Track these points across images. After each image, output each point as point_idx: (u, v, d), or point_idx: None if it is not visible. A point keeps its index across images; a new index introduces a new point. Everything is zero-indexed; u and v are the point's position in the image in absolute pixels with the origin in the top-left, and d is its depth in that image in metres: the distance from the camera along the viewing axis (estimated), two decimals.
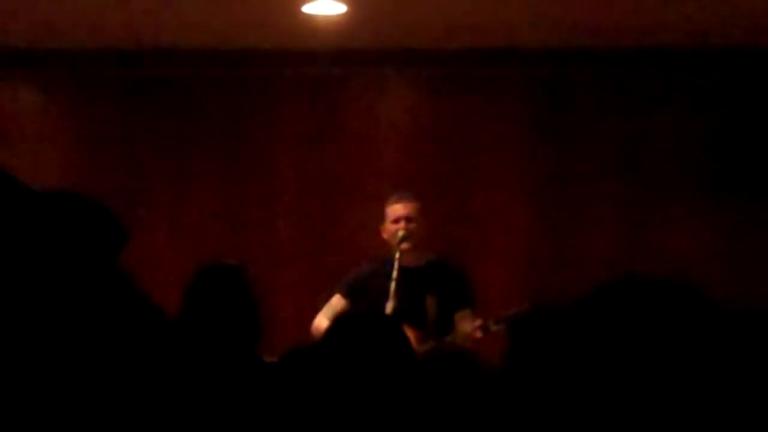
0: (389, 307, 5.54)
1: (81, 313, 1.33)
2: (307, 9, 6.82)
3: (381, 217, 5.99)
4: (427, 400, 1.96)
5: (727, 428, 1.22)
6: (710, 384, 1.22)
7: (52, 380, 1.29)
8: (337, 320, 3.00)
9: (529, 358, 2.90)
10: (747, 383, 1.24)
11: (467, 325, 5.64)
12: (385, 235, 5.90)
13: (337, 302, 5.85)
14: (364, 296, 5.77)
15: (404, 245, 5.76)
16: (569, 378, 1.32)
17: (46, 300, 1.33)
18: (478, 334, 5.56)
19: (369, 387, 2.43)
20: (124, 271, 1.49)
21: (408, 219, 5.83)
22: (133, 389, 1.39)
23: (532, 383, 2.27)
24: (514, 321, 3.89)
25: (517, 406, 2.35)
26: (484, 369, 2.06)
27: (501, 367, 2.88)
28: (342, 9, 6.84)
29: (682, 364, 1.23)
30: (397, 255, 5.71)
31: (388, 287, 5.61)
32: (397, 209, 5.87)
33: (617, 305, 1.33)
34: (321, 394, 2.57)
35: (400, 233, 5.78)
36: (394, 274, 5.63)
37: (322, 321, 5.74)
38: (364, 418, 2.37)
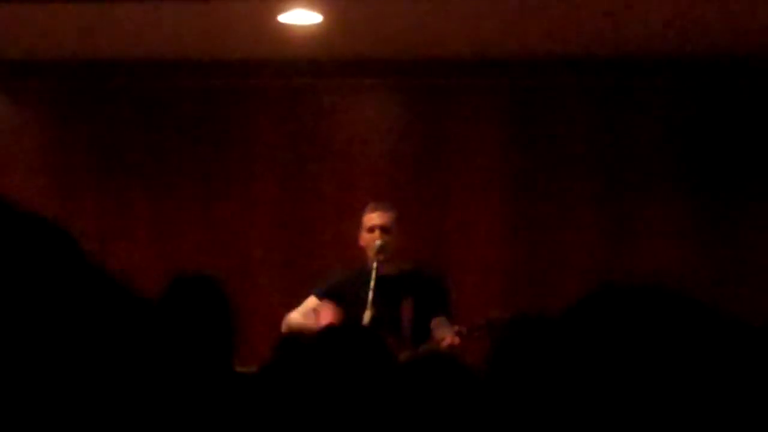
0: (367, 316, 5.53)
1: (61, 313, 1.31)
2: (283, 19, 6.82)
3: (357, 226, 5.98)
4: (413, 404, 1.96)
5: None
6: (710, 396, 1.21)
7: (27, 383, 1.27)
8: (320, 334, 2.98)
9: (514, 367, 2.89)
10: (748, 395, 1.24)
11: (443, 332, 5.62)
12: (361, 243, 5.88)
13: (311, 303, 5.83)
14: (338, 302, 5.76)
15: (380, 256, 5.74)
16: (561, 389, 1.30)
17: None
18: (455, 341, 5.54)
19: (354, 398, 2.42)
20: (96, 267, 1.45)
21: (383, 229, 5.81)
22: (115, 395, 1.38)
23: (519, 393, 2.27)
24: (496, 330, 3.87)
25: (502, 414, 2.35)
26: (469, 370, 2.05)
27: (484, 374, 2.88)
28: (318, 19, 6.85)
29: (682, 375, 1.22)
30: (375, 265, 5.70)
31: (364, 296, 5.60)
32: (372, 218, 5.86)
33: (612, 313, 1.31)
34: (305, 405, 2.56)
35: (377, 243, 5.76)
36: (372, 283, 5.61)
37: (294, 317, 5.74)
38: (348, 427, 2.37)
